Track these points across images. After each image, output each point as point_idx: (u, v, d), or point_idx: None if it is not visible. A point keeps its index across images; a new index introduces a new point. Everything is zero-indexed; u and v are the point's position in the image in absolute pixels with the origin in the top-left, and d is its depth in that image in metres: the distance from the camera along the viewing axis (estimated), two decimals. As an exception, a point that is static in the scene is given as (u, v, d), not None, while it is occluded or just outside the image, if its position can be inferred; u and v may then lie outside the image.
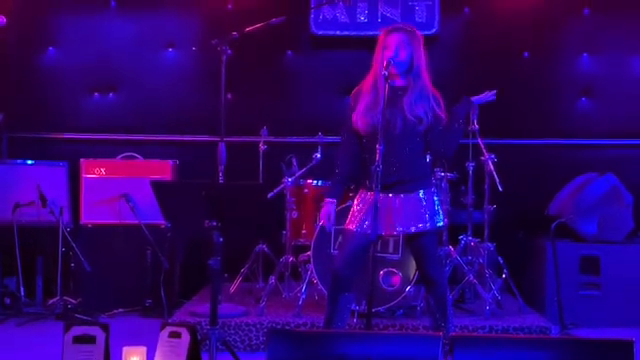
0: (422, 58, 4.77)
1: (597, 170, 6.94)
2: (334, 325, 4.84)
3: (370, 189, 4.71)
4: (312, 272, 5.98)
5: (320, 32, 7.51)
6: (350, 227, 4.80)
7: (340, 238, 5.81)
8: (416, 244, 4.81)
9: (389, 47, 4.71)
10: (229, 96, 7.05)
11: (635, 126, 7.43)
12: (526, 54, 7.52)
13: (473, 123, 6.35)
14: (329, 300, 4.87)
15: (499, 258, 6.38)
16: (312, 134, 6.65)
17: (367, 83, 4.81)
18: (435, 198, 4.86)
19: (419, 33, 4.83)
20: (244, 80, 7.27)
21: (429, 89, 4.75)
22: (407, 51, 4.71)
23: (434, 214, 4.79)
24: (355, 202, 4.88)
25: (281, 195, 6.39)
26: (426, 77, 4.77)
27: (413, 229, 4.74)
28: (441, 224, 4.86)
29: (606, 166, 7.03)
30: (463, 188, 6.66)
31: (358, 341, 3.78)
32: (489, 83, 7.28)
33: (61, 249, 6.53)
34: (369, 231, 4.62)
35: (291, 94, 7.65)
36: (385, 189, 4.64)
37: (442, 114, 4.75)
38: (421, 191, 4.78)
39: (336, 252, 5.77)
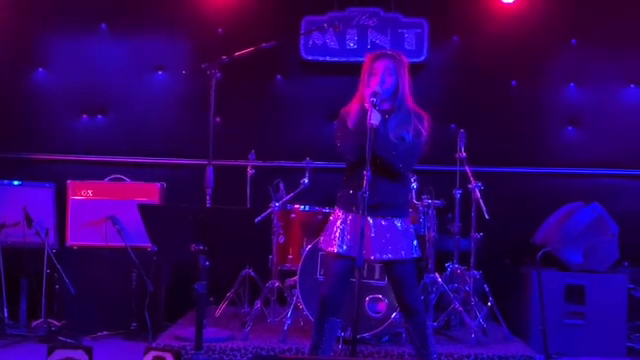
0: (407, 83, 4.82)
1: (583, 199, 6.97)
2: (320, 352, 4.81)
3: (350, 211, 4.74)
4: (298, 297, 5.97)
5: (310, 57, 7.55)
6: (331, 250, 4.79)
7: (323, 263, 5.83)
8: (393, 272, 4.81)
9: (376, 73, 4.76)
10: (218, 120, 7.06)
11: (620, 156, 7.48)
12: (514, 82, 7.58)
13: (460, 151, 6.39)
14: (316, 326, 4.85)
15: (485, 286, 6.39)
16: (300, 159, 6.67)
17: (354, 108, 4.83)
18: (411, 229, 4.88)
19: (404, 58, 4.87)
20: (233, 104, 7.30)
21: (412, 111, 4.80)
22: (393, 77, 4.76)
23: (411, 243, 4.81)
24: (334, 222, 4.85)
25: (268, 220, 6.39)
26: (410, 101, 4.83)
27: (390, 255, 4.74)
28: (416, 255, 4.85)
29: (592, 195, 7.06)
30: (450, 216, 6.69)
31: (343, 368, 3.77)
32: (477, 111, 7.42)
33: (46, 271, 6.49)
34: (351, 254, 4.62)
35: (280, 119, 7.66)
36: (368, 212, 4.65)
37: (423, 130, 4.78)
38: (399, 219, 4.80)
39: (322, 278, 5.77)
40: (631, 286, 6.78)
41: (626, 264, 7.13)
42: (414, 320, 4.83)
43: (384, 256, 4.75)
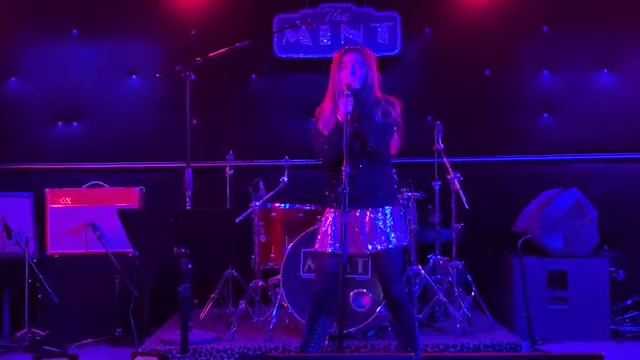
0: (375, 75, 4.88)
1: (561, 185, 7.02)
2: (311, 349, 4.83)
3: (337, 208, 4.77)
4: (282, 296, 5.98)
5: (284, 55, 7.54)
6: (323, 249, 4.81)
7: (310, 261, 5.84)
8: (382, 262, 4.83)
9: (345, 67, 4.82)
10: (195, 121, 7.04)
11: (597, 141, 7.53)
12: (487, 72, 7.61)
13: (438, 142, 6.42)
14: (308, 324, 4.87)
15: (468, 276, 6.42)
16: (278, 157, 6.67)
17: (327, 106, 4.87)
18: (401, 214, 4.92)
19: (371, 52, 4.94)
20: (209, 105, 7.28)
21: (381, 99, 4.85)
22: (362, 70, 4.82)
23: (400, 232, 4.84)
24: (324, 222, 4.91)
25: (249, 219, 6.39)
26: (379, 92, 4.88)
27: (379, 247, 4.77)
28: (405, 243, 4.90)
29: (570, 181, 7.11)
30: (430, 207, 6.70)
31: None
32: (452, 102, 7.45)
33: (28, 281, 6.45)
34: (341, 251, 4.65)
35: (257, 118, 7.66)
36: (352, 207, 4.67)
37: (393, 112, 4.82)
38: (388, 208, 4.83)
39: (309, 276, 5.79)
40: (612, 269, 6.84)
41: (606, 248, 7.20)
42: (401, 315, 4.85)
43: (375, 248, 4.77)
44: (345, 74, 4.79)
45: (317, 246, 4.91)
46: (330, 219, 4.86)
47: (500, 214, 7.21)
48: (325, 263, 4.82)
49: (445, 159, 6.38)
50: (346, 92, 4.68)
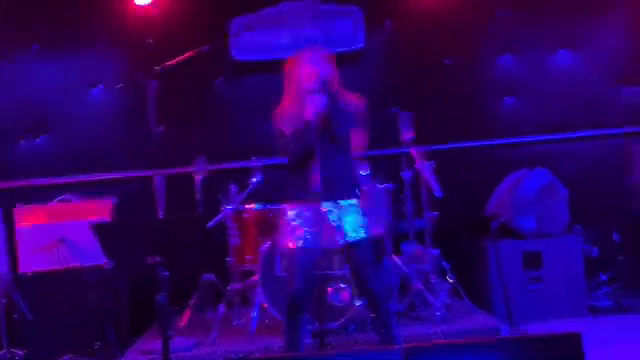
0: (332, 72, 4.88)
1: (529, 166, 7.08)
2: (296, 349, 4.82)
3: (304, 203, 4.76)
4: (261, 296, 5.97)
5: (243, 57, 7.52)
6: (292, 245, 4.80)
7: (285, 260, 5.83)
8: (354, 254, 4.83)
9: (306, 65, 4.82)
10: (161, 128, 7.01)
11: (560, 120, 7.61)
12: (448, 60, 7.65)
13: (404, 132, 6.43)
14: (288, 324, 4.83)
15: (444, 263, 6.46)
16: (246, 158, 6.65)
17: (289, 106, 4.86)
18: (372, 204, 4.94)
19: (327, 50, 4.97)
20: (174, 111, 7.24)
21: (340, 93, 4.86)
22: (318, 67, 4.81)
23: (371, 222, 4.86)
24: (290, 217, 4.86)
25: (223, 223, 6.37)
26: (337, 87, 4.89)
27: (351, 238, 4.77)
28: (377, 232, 4.92)
29: (537, 161, 7.19)
30: (402, 197, 6.73)
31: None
32: (416, 92, 7.48)
33: (2, 300, 6.38)
34: (315, 245, 4.65)
35: (222, 121, 7.63)
36: (315, 201, 4.69)
37: (353, 102, 4.84)
38: (356, 199, 4.85)
39: (286, 275, 5.78)
40: (585, 246, 6.92)
41: (578, 225, 7.27)
42: (379, 310, 4.86)
43: (347, 239, 4.77)
44: (305, 71, 4.79)
45: (281, 241, 4.90)
46: (294, 214, 4.84)
47: (472, 199, 7.27)
48: (296, 259, 4.80)
49: (412, 149, 6.41)
50: (317, 89, 4.66)
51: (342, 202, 4.81)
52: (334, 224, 4.77)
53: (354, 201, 4.85)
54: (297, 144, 4.73)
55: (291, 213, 4.85)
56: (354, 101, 4.84)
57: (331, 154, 4.74)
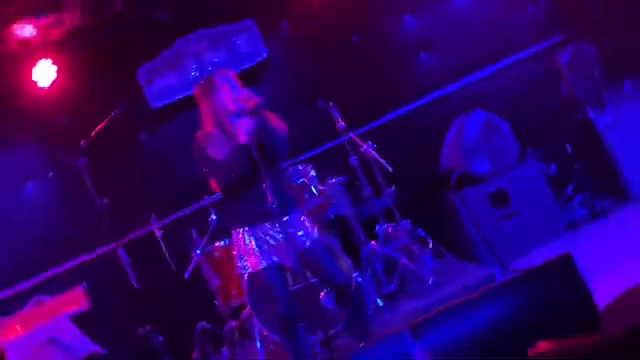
0: (247, 91, 4.81)
1: (465, 112, 7.16)
2: (304, 357, 4.79)
3: (256, 224, 4.72)
4: (258, 325, 5.94)
5: (161, 103, 7.46)
6: (257, 268, 4.75)
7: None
8: (312, 256, 4.80)
9: (219, 88, 4.73)
10: (105, 201, 6.91)
11: (479, 58, 7.70)
12: (355, 38, 7.67)
13: (338, 121, 6.46)
14: (287, 342, 4.80)
15: (419, 231, 6.49)
16: (198, 199, 6.62)
17: (213, 132, 4.78)
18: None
19: (227, 70, 4.92)
20: (112, 180, 7.15)
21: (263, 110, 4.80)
22: (235, 88, 4.76)
23: (314, 227, 4.86)
24: (240, 245, 4.79)
25: (198, 269, 6.33)
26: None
27: (305, 245, 4.75)
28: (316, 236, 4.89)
29: (471, 104, 7.26)
30: (358, 183, 6.75)
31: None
32: (335, 79, 7.49)
33: None
34: (281, 261, 4.66)
35: (161, 171, 7.55)
36: (266, 220, 4.68)
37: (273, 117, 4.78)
38: (295, 209, 4.84)
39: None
40: (543, 166, 7.00)
41: (529, 150, 7.35)
42: (349, 299, 4.87)
43: (304, 246, 4.74)
44: (226, 93, 4.73)
45: (243, 268, 4.80)
46: (247, 237, 4.77)
47: (425, 160, 7.31)
48: (266, 280, 4.74)
49: (351, 134, 6.43)
50: (249, 110, 4.61)
51: (288, 216, 4.75)
52: (290, 236, 4.76)
53: (295, 212, 4.82)
54: (235, 168, 4.66)
55: (246, 237, 4.78)
56: (274, 118, 4.80)
57: (269, 172, 4.68)
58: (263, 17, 7.55)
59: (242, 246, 4.78)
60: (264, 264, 4.72)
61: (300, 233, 4.75)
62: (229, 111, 4.69)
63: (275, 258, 4.68)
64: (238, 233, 4.79)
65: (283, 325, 4.78)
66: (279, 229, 4.71)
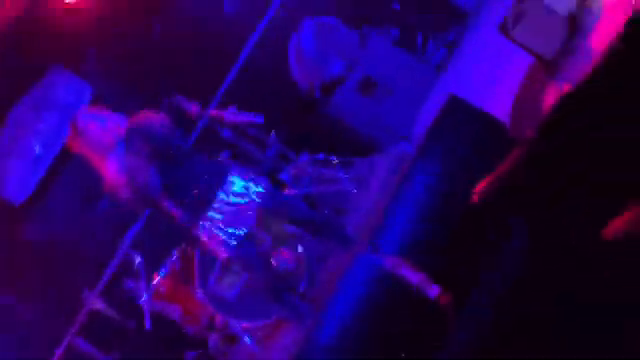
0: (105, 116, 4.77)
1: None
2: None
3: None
4: (236, 324, 5.93)
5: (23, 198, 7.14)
6: (225, 255, 4.77)
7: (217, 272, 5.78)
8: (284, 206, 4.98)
9: (85, 129, 4.63)
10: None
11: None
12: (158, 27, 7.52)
13: (190, 108, 6.33)
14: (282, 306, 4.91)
15: (318, 157, 6.52)
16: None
17: (108, 168, 4.68)
18: None
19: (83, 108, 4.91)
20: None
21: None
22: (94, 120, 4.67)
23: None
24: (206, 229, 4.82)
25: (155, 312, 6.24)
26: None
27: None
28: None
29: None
30: (239, 151, 6.69)
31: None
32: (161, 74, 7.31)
33: None
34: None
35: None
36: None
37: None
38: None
39: (235, 289, 5.77)
40: (384, 35, 7.05)
41: (364, 26, 7.29)
42: (332, 229, 5.09)
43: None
44: (97, 130, 4.60)
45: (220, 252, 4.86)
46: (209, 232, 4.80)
47: (287, 95, 7.27)
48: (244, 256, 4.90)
49: (208, 112, 6.34)
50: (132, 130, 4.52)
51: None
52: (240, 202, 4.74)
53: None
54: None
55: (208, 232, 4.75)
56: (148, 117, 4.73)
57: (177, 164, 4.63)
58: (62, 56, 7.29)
59: (205, 237, 4.76)
60: (229, 250, 4.71)
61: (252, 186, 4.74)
62: (106, 145, 4.56)
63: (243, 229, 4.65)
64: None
65: (275, 293, 4.84)
66: (227, 194, 4.69)
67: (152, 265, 6.29)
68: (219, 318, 6.13)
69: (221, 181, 4.73)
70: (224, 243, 4.75)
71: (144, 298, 6.18)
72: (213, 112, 6.33)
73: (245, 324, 5.91)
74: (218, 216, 4.66)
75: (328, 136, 7.01)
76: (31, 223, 7.16)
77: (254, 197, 4.77)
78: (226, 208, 4.72)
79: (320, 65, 6.89)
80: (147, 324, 6.04)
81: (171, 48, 7.41)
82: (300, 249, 5.82)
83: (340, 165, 6.51)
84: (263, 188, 4.81)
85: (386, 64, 6.81)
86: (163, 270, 6.21)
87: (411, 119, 6.55)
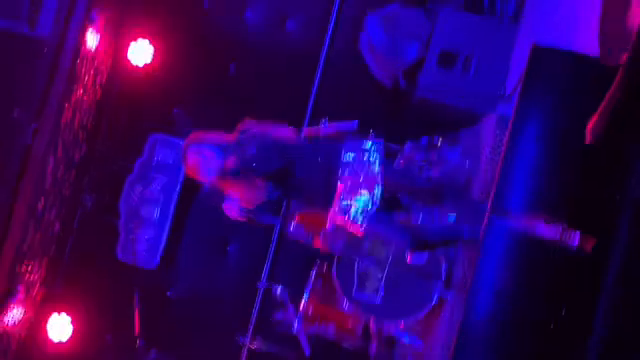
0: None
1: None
2: None
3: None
4: (393, 325, 5.94)
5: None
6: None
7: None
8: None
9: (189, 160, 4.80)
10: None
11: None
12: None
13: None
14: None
15: (422, 141, 6.48)
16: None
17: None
18: None
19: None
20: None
21: None
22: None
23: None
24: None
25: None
26: None
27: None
28: None
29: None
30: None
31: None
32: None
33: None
34: None
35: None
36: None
37: None
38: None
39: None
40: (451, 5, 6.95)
41: (429, 5, 7.23)
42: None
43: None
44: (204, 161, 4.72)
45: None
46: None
47: (372, 93, 7.25)
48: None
49: (305, 129, 6.40)
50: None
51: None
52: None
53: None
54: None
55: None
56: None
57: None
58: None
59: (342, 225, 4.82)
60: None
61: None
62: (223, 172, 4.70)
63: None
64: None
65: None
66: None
67: (294, 292, 6.39)
68: (373, 324, 6.15)
69: (338, 162, 4.78)
70: (357, 218, 4.76)
71: (296, 325, 6.27)
72: (307, 131, 6.40)
73: (401, 324, 5.92)
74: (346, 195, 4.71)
75: (427, 120, 6.97)
76: (171, 283, 7.38)
77: (374, 166, 4.79)
78: (350, 182, 4.75)
79: (396, 54, 6.86)
80: (306, 351, 6.12)
81: (250, 82, 7.53)
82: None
83: (446, 144, 6.45)
84: (379, 155, 4.82)
85: (460, 32, 6.71)
86: (306, 293, 6.30)
87: (501, 79, 6.44)
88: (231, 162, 4.62)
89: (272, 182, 4.66)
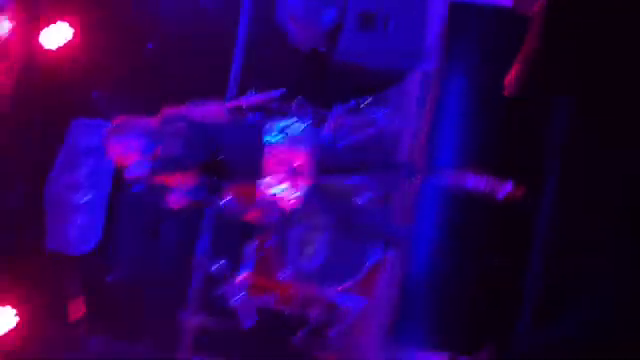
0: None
1: None
2: None
3: None
4: (332, 290, 5.99)
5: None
6: None
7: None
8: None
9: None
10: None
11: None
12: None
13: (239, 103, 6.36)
14: None
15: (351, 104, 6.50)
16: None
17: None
18: None
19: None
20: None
21: None
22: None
23: None
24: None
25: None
26: None
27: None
28: None
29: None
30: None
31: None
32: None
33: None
34: None
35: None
36: None
37: None
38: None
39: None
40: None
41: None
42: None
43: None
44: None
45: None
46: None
47: (293, 61, 7.24)
48: None
49: (230, 103, 6.37)
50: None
51: None
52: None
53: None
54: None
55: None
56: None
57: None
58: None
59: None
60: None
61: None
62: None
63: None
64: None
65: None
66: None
67: (233, 266, 6.38)
68: (312, 291, 6.19)
69: (263, 138, 4.79)
70: (285, 191, 4.80)
71: (236, 298, 6.28)
72: (231, 104, 6.36)
73: (339, 287, 5.96)
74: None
75: (351, 83, 6.97)
76: (109, 267, 7.30)
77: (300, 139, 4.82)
78: (277, 157, 4.78)
79: (313, 19, 6.84)
80: (246, 323, 6.14)
81: (169, 61, 7.43)
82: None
83: (373, 104, 6.48)
84: (304, 126, 4.85)
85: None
86: (244, 266, 6.30)
87: (420, 36, 6.48)
88: (158, 157, 4.59)
89: (202, 170, 4.65)
